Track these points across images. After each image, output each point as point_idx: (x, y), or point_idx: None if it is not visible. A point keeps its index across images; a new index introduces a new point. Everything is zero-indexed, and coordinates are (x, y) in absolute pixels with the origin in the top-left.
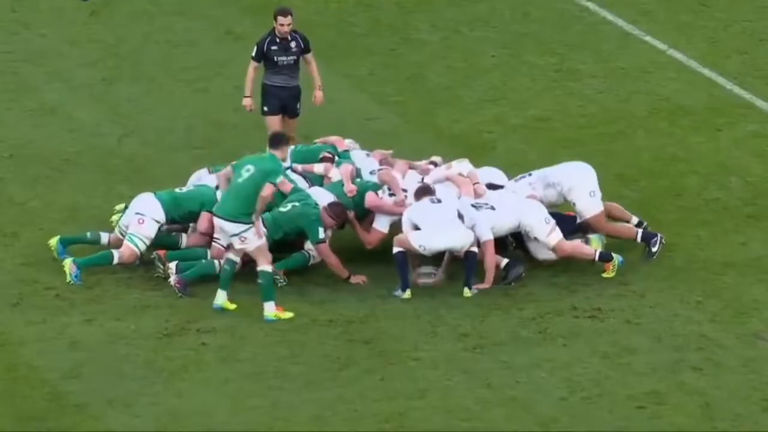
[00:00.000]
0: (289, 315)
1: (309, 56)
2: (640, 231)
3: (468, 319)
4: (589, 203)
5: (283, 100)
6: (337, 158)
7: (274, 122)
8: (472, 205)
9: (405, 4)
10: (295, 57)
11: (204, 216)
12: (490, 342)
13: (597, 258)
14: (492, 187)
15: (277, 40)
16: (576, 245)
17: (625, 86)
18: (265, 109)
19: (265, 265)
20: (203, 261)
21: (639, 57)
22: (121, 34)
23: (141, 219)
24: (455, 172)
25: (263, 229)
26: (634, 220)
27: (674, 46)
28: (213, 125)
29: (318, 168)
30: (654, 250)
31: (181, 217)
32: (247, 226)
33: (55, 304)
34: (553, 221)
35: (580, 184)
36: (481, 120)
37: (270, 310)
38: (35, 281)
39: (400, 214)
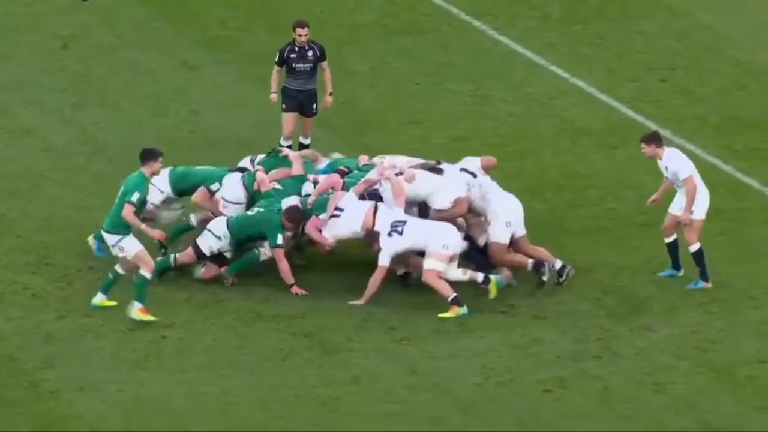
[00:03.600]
0: (151, 318)
1: (324, 64)
2: (530, 261)
3: (396, 315)
4: (499, 230)
5: (300, 101)
6: (355, 171)
7: (289, 119)
8: (391, 224)
9: (339, 39)
10: (312, 64)
11: (200, 190)
12: (416, 335)
13: (450, 299)
14: (433, 170)
15: (296, 49)
16: (440, 282)
17: (534, 110)
18: (284, 106)
19: (145, 271)
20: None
21: (545, 84)
22: (90, 64)
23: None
24: (389, 165)
25: (225, 231)
26: (558, 263)
27: (576, 75)
28: (170, 145)
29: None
30: (544, 279)
31: (186, 190)
32: (121, 236)
33: (32, 303)
34: (450, 253)
35: (504, 211)
36: (407, 139)
37: (135, 308)
38: (14, 282)
39: (327, 249)
